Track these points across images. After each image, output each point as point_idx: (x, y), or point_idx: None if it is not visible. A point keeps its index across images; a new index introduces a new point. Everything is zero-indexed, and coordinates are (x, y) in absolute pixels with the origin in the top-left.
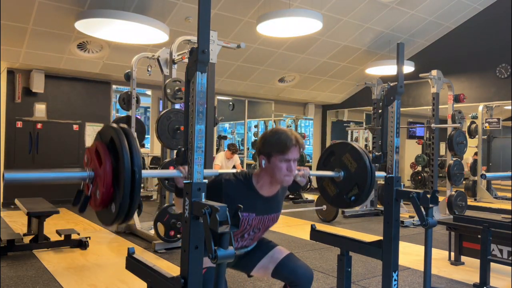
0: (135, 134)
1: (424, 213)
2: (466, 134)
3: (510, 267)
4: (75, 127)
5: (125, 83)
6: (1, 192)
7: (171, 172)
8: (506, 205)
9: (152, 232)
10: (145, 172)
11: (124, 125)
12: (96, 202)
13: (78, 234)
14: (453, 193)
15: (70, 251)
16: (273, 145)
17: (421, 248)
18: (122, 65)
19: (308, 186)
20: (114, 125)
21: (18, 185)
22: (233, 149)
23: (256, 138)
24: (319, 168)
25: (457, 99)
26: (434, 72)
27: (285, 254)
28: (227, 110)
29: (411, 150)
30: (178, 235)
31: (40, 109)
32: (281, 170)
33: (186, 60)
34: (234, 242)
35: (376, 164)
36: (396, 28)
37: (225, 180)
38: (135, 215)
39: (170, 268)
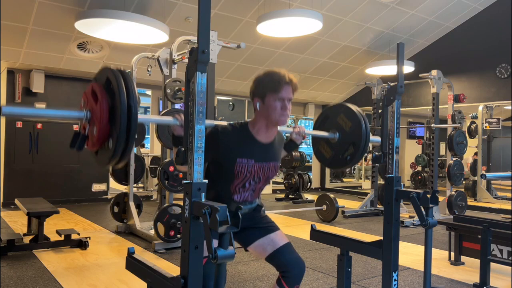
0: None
1: (424, 213)
2: (466, 134)
3: (510, 267)
4: (75, 127)
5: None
6: (1, 192)
7: (167, 119)
8: (506, 205)
9: (152, 232)
10: (141, 117)
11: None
12: (93, 139)
13: (78, 234)
14: (453, 193)
15: (70, 251)
16: (266, 84)
17: (421, 248)
18: (122, 65)
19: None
20: (110, 66)
21: (19, 185)
22: None
23: None
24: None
25: (457, 99)
26: (434, 72)
27: (285, 242)
28: (227, 110)
29: (411, 150)
30: (178, 235)
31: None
32: (276, 109)
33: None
34: (236, 194)
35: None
36: (396, 28)
37: (221, 128)
38: (135, 215)
39: (170, 268)
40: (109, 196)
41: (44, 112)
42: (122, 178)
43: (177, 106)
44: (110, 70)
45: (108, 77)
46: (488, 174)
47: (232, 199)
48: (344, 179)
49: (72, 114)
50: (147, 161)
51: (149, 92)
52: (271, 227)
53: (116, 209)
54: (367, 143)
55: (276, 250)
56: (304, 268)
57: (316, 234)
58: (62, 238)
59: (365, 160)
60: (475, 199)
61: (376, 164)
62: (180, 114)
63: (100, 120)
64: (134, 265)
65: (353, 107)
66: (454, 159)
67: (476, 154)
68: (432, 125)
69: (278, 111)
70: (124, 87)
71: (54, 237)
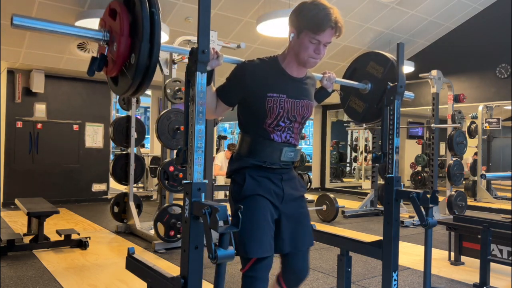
0: (135, 135)
1: (424, 213)
2: (466, 134)
3: (510, 267)
4: (75, 127)
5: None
6: (1, 192)
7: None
8: (506, 205)
9: (152, 232)
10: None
11: None
12: (114, 56)
13: (78, 234)
14: (453, 193)
15: (70, 251)
16: (307, 20)
17: (421, 248)
18: None
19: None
20: None
21: (19, 185)
22: (233, 149)
23: None
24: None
25: (457, 99)
26: (434, 72)
27: (310, 244)
28: None
29: (411, 150)
30: (178, 235)
31: (40, 109)
32: (307, 50)
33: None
34: (273, 134)
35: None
36: (396, 28)
37: (248, 61)
38: (135, 215)
39: (170, 268)
40: (109, 196)
41: (59, 28)
42: (122, 178)
43: (177, 106)
44: None
45: None
46: (488, 174)
47: (272, 139)
48: (344, 179)
49: (89, 32)
50: (147, 161)
51: (149, 92)
52: (309, 227)
53: (116, 209)
54: (404, 86)
55: (299, 251)
56: (305, 278)
57: (316, 234)
58: (62, 238)
59: (365, 160)
60: (475, 199)
61: (376, 164)
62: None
63: (121, 32)
64: (134, 265)
65: (383, 52)
66: (454, 159)
67: (476, 154)
68: (432, 125)
69: (310, 53)
70: None
71: (54, 237)
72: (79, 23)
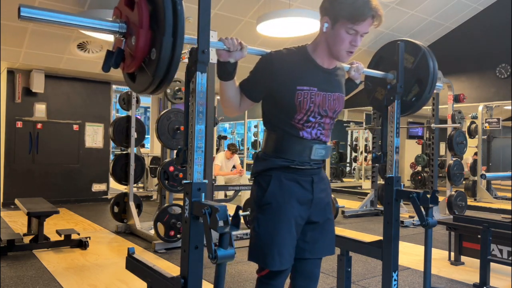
0: (135, 135)
1: (424, 213)
2: (466, 134)
3: (510, 267)
4: (75, 127)
5: (125, 83)
6: (1, 192)
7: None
8: (506, 205)
9: (152, 232)
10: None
11: None
12: (132, 51)
13: (78, 234)
14: (453, 193)
15: (70, 251)
16: (345, 8)
17: (421, 248)
18: None
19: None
20: None
21: (19, 185)
22: (233, 149)
23: (256, 138)
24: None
25: (457, 99)
26: None
27: (330, 252)
28: None
29: (411, 150)
30: (178, 235)
31: (40, 109)
32: (344, 42)
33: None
34: (302, 131)
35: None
36: (396, 28)
37: (275, 52)
38: (135, 215)
39: (170, 268)
40: (109, 196)
41: (70, 19)
42: (122, 178)
43: (177, 106)
44: None
45: None
46: (488, 174)
47: (301, 137)
48: (344, 179)
49: (104, 24)
50: (147, 161)
51: None
52: (332, 224)
53: (116, 209)
54: (435, 78)
55: (314, 259)
56: (317, 283)
57: None
58: (62, 238)
59: (365, 160)
60: (475, 199)
61: (376, 164)
62: (228, 38)
63: (140, 24)
64: (134, 265)
65: (414, 40)
66: (454, 159)
67: (476, 154)
68: (432, 125)
69: (346, 45)
70: None
71: (54, 237)
72: None
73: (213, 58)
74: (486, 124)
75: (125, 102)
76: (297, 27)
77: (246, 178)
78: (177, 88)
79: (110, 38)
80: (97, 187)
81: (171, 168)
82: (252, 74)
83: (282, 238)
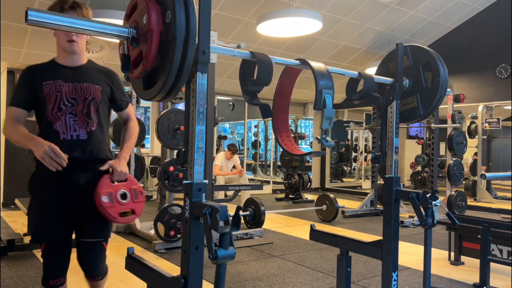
0: None
1: (423, 213)
2: (466, 134)
3: (510, 267)
4: None
5: (125, 83)
6: (1, 192)
7: None
8: (506, 205)
9: (152, 232)
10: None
11: None
12: (147, 46)
13: None
14: (453, 193)
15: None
16: (54, 5)
17: (421, 248)
18: None
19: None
20: None
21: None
22: (233, 149)
23: (256, 138)
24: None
25: (457, 99)
26: None
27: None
28: (227, 110)
29: (411, 150)
30: (178, 235)
31: None
32: (60, 35)
33: None
34: (59, 129)
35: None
36: (396, 28)
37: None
38: None
39: (170, 268)
40: None
41: (79, 24)
42: None
43: (177, 106)
44: None
45: None
46: (488, 174)
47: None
48: (344, 179)
49: (112, 29)
50: (147, 161)
51: None
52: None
53: None
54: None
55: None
56: None
57: (315, 234)
58: None
59: (365, 160)
60: (475, 199)
61: (376, 164)
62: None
63: (150, 31)
64: (134, 265)
65: (422, 46)
66: (454, 159)
67: (476, 154)
68: (432, 125)
69: (62, 37)
70: None
71: None
72: None
73: (213, 58)
74: (486, 124)
75: None
76: (297, 27)
77: (246, 178)
78: None
79: (111, 38)
80: None
81: (171, 168)
82: None
83: None
